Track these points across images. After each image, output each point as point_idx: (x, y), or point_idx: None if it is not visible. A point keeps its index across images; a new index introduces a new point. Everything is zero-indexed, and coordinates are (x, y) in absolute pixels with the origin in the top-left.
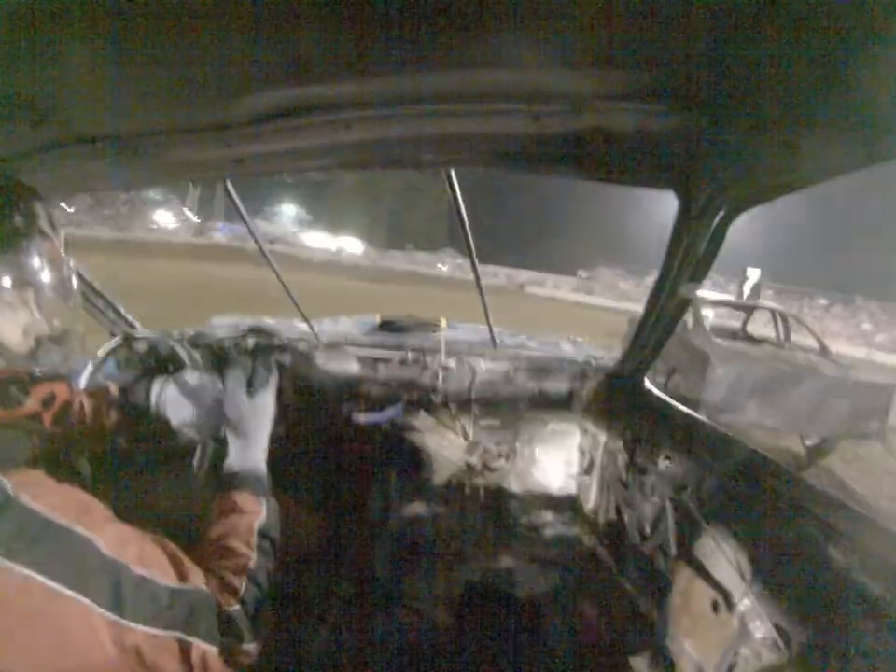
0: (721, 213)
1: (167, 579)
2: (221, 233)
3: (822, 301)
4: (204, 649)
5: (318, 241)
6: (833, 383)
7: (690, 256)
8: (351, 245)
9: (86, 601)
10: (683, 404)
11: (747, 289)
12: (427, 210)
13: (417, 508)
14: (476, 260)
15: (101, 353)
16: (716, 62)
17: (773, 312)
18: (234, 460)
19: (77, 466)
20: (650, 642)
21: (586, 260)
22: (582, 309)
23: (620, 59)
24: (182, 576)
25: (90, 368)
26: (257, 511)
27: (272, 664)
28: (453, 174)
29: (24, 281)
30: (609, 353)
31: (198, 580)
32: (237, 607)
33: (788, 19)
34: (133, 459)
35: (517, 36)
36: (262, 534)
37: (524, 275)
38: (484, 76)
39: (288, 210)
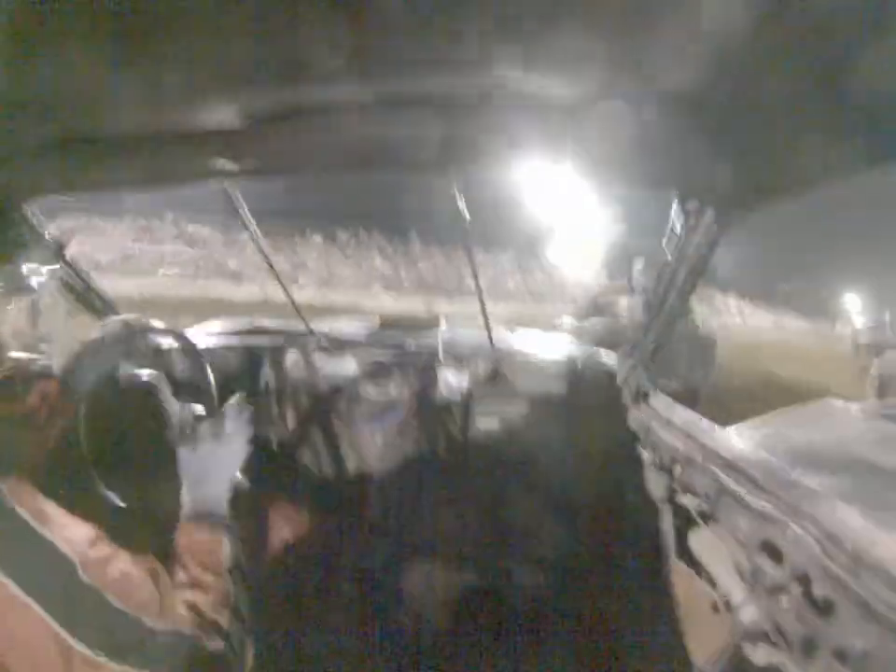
0: (719, 215)
1: (146, 613)
2: None
3: (317, 238)
4: None
5: None
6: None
7: (688, 257)
8: None
9: (59, 629)
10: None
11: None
12: None
13: (417, 508)
14: (476, 263)
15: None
16: (715, 63)
17: None
18: (185, 500)
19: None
20: (650, 642)
21: None
22: None
23: (619, 60)
24: (163, 610)
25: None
26: (218, 546)
27: (272, 664)
28: (454, 173)
29: (19, 286)
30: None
31: (178, 617)
32: (222, 645)
33: (788, 19)
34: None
35: (517, 37)
36: (232, 566)
37: None
38: (485, 76)
39: None
